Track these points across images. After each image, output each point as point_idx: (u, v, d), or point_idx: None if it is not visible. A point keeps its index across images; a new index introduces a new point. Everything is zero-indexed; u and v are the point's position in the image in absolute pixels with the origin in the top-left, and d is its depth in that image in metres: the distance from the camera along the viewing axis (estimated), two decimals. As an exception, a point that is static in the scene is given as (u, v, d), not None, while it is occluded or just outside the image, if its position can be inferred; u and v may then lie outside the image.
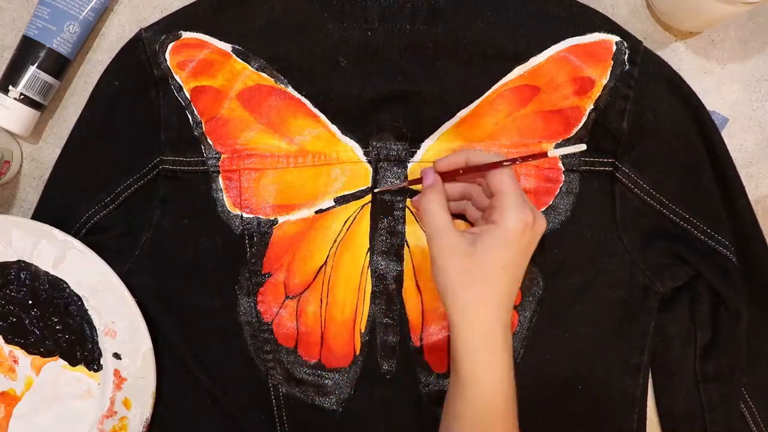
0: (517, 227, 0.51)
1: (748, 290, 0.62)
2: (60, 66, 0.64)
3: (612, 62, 0.61)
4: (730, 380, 0.63)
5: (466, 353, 0.51)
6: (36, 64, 0.63)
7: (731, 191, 0.62)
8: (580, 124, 0.61)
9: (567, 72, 0.61)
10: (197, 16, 0.62)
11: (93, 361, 0.63)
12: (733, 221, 0.62)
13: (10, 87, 0.63)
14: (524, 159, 0.55)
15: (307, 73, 0.61)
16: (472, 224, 0.59)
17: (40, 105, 0.64)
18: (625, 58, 0.61)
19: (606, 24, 0.61)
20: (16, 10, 0.66)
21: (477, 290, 0.51)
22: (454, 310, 0.51)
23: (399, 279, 0.63)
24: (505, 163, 0.54)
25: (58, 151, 0.65)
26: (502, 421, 0.52)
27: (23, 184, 0.68)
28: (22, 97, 0.63)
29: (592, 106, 0.61)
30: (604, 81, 0.61)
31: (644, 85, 0.61)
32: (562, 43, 0.61)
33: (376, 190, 0.62)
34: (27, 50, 0.63)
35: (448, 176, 0.56)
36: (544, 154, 0.54)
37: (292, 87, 0.62)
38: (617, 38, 0.61)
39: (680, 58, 0.65)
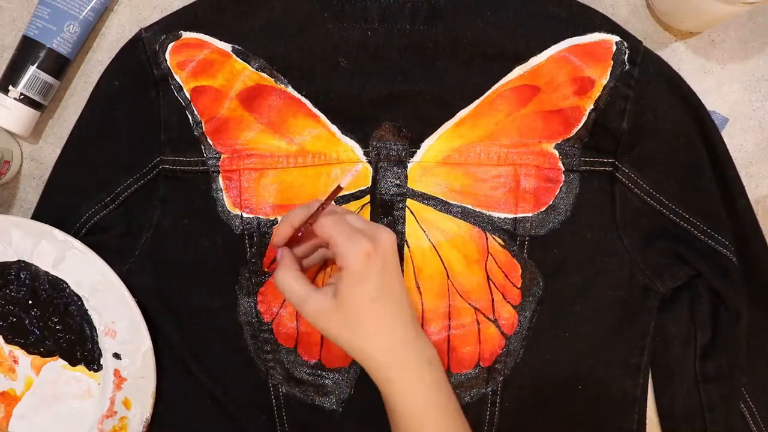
0: (360, 261, 0.52)
1: (748, 290, 0.62)
2: (60, 66, 0.64)
3: (612, 62, 0.61)
4: (730, 380, 0.63)
5: (385, 386, 0.54)
6: (36, 64, 0.63)
7: (731, 191, 0.62)
8: (580, 124, 0.61)
9: (567, 72, 0.61)
10: (197, 16, 0.62)
11: (93, 361, 0.63)
12: (733, 221, 0.62)
13: (10, 87, 0.63)
14: (325, 202, 0.54)
15: (307, 73, 0.61)
16: None
17: (40, 105, 0.64)
18: (625, 58, 0.61)
19: (606, 24, 0.61)
20: (16, 10, 0.67)
21: (361, 334, 0.53)
22: (356, 357, 0.54)
23: (399, 279, 0.63)
24: (318, 207, 0.54)
25: (58, 151, 0.65)
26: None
27: (23, 184, 0.68)
28: (22, 97, 0.63)
29: (592, 106, 0.61)
30: (604, 81, 0.61)
31: (644, 85, 0.61)
32: (562, 43, 0.61)
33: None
34: (27, 50, 0.63)
35: (293, 241, 0.57)
36: (338, 189, 0.54)
37: (292, 87, 0.62)
38: (617, 38, 0.61)
39: (680, 58, 0.65)
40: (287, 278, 0.54)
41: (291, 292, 0.54)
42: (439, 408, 0.54)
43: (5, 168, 0.65)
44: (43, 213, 0.64)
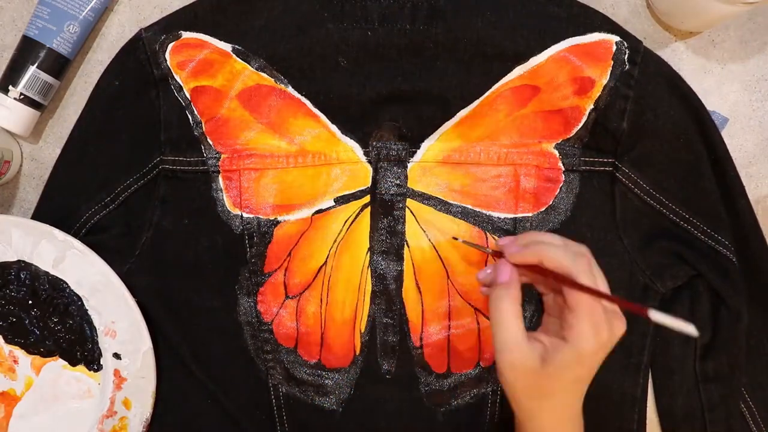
0: (593, 349, 0.47)
1: (748, 290, 0.62)
2: (60, 66, 0.64)
3: (612, 62, 0.61)
4: (730, 380, 0.63)
5: None
6: (36, 64, 0.63)
7: (731, 191, 0.62)
8: (580, 124, 0.61)
9: (567, 72, 0.61)
10: (197, 16, 0.62)
11: (93, 361, 0.63)
12: (733, 221, 0.62)
13: (10, 87, 0.63)
14: (622, 304, 0.48)
15: (307, 73, 0.61)
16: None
17: (40, 105, 0.64)
18: (625, 58, 0.61)
19: (606, 24, 0.61)
20: (16, 10, 0.66)
21: (547, 404, 0.49)
22: (521, 416, 0.51)
23: (399, 279, 0.63)
24: (582, 287, 0.48)
25: (59, 151, 0.65)
26: None
27: (23, 184, 0.68)
28: (22, 97, 0.63)
29: (592, 106, 0.61)
30: (604, 81, 0.61)
31: (644, 85, 0.61)
32: (562, 43, 0.61)
33: (463, 241, 0.59)
34: (27, 50, 0.63)
35: (521, 268, 0.50)
36: (646, 315, 0.46)
37: (292, 87, 0.62)
38: (617, 38, 0.61)
39: (680, 58, 0.65)
40: (510, 312, 0.49)
41: (504, 328, 0.48)
42: None
43: (5, 168, 0.65)
44: (43, 213, 0.64)
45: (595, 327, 0.47)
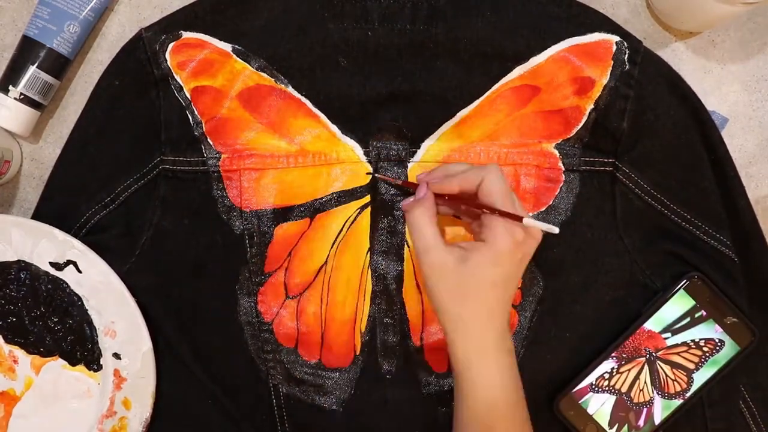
0: (507, 247, 0.51)
1: (748, 290, 0.62)
2: (60, 66, 0.64)
3: (612, 62, 0.61)
4: (730, 378, 0.63)
5: (464, 365, 0.53)
6: (36, 64, 0.63)
7: (731, 191, 0.62)
8: (581, 124, 0.61)
9: (567, 72, 0.61)
10: (197, 15, 0.62)
11: (93, 361, 0.63)
12: (733, 221, 0.62)
13: (10, 87, 0.63)
14: (501, 214, 0.53)
15: (307, 72, 0.61)
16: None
17: (40, 105, 0.64)
18: (625, 58, 0.61)
19: (606, 24, 0.61)
20: (16, 10, 0.66)
21: (468, 306, 0.52)
22: (447, 324, 0.53)
23: (399, 279, 0.63)
24: (484, 211, 0.53)
25: (59, 151, 0.65)
26: (502, 421, 0.53)
27: (23, 184, 0.68)
28: (22, 97, 0.63)
29: (592, 106, 0.61)
30: (605, 81, 0.61)
31: (644, 85, 0.61)
32: (562, 43, 0.61)
33: (376, 174, 0.62)
34: (27, 50, 0.63)
35: (440, 194, 0.56)
36: (519, 219, 0.52)
37: (293, 87, 0.62)
38: (617, 38, 0.61)
39: (680, 58, 0.66)
40: (425, 219, 0.53)
41: (421, 234, 0.53)
42: (510, 404, 0.53)
43: (5, 167, 0.64)
44: (44, 213, 0.64)
45: (509, 228, 0.52)
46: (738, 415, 0.63)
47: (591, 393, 0.63)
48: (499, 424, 0.52)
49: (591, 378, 0.63)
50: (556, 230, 0.51)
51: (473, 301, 0.52)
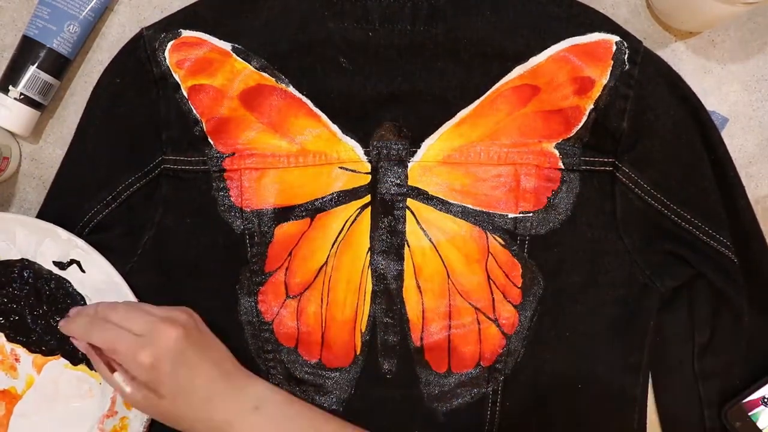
0: (134, 367, 0.55)
1: (748, 290, 0.62)
2: (60, 66, 0.64)
3: (612, 62, 0.61)
4: (729, 377, 0.63)
5: None
6: (36, 64, 0.63)
7: (731, 191, 0.62)
8: (580, 124, 0.61)
9: (567, 72, 0.61)
10: (198, 14, 0.62)
11: (94, 361, 0.63)
12: (733, 221, 0.62)
13: (10, 87, 0.63)
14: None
15: (307, 72, 0.61)
16: None
17: (40, 105, 0.64)
18: (625, 58, 0.61)
19: (606, 24, 0.61)
20: (16, 10, 0.66)
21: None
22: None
23: (399, 278, 0.63)
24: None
25: (59, 151, 0.65)
26: None
27: (23, 184, 0.68)
28: (22, 97, 0.63)
29: (592, 106, 0.61)
30: (604, 81, 0.61)
31: (644, 85, 0.61)
32: (562, 42, 0.61)
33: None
34: (27, 50, 0.63)
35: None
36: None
37: (293, 86, 0.62)
38: (617, 38, 0.61)
39: (680, 58, 0.66)
40: (101, 368, 0.58)
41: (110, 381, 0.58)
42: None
43: (4, 164, 0.64)
44: (48, 212, 0.64)
45: (126, 363, 0.56)
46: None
47: (763, 407, 0.62)
48: None
49: (764, 391, 0.62)
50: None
51: (183, 420, 0.56)
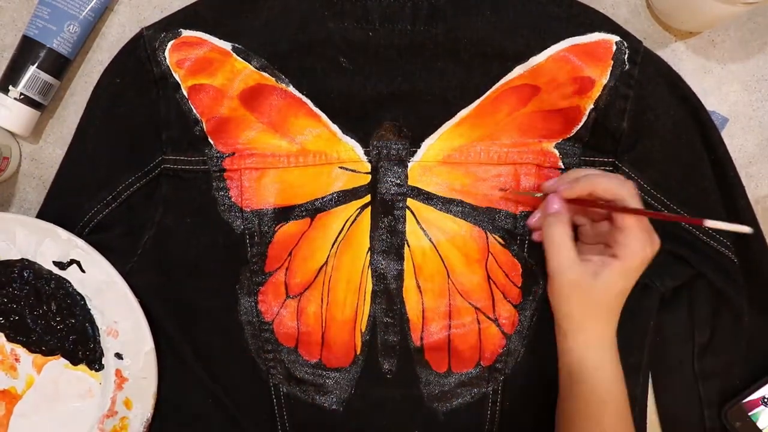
0: (640, 264, 0.55)
1: (748, 290, 0.62)
2: (60, 66, 0.64)
3: (612, 62, 0.61)
4: (728, 377, 0.64)
5: (581, 361, 0.56)
6: (36, 64, 0.63)
7: (731, 191, 0.62)
8: (581, 124, 0.61)
9: (567, 72, 0.61)
10: (198, 14, 0.62)
11: (95, 361, 0.63)
12: (733, 221, 0.62)
13: (10, 87, 0.63)
14: (679, 219, 0.59)
15: (307, 72, 0.61)
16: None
17: (40, 105, 0.64)
18: (625, 57, 0.61)
19: (606, 24, 0.61)
20: (16, 10, 0.66)
21: (595, 317, 0.56)
22: (567, 325, 0.57)
23: (399, 278, 0.63)
24: (628, 214, 0.55)
25: (59, 151, 0.65)
26: (613, 416, 0.56)
27: (23, 184, 0.68)
28: (22, 97, 0.63)
29: (592, 106, 0.61)
30: (604, 81, 0.61)
31: (644, 85, 0.61)
32: (562, 42, 0.61)
33: (513, 192, 0.62)
34: (27, 50, 0.63)
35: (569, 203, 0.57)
36: (700, 222, 0.54)
37: (293, 86, 0.62)
38: (617, 38, 0.61)
39: (680, 58, 0.66)
40: (564, 235, 0.56)
41: (559, 252, 0.56)
42: (621, 399, 0.56)
43: (4, 164, 0.64)
44: (48, 212, 0.64)
45: (642, 244, 0.54)
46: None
47: (763, 407, 0.62)
48: (608, 419, 0.56)
49: (764, 391, 0.62)
50: (748, 230, 0.53)
51: (601, 314, 0.56)
